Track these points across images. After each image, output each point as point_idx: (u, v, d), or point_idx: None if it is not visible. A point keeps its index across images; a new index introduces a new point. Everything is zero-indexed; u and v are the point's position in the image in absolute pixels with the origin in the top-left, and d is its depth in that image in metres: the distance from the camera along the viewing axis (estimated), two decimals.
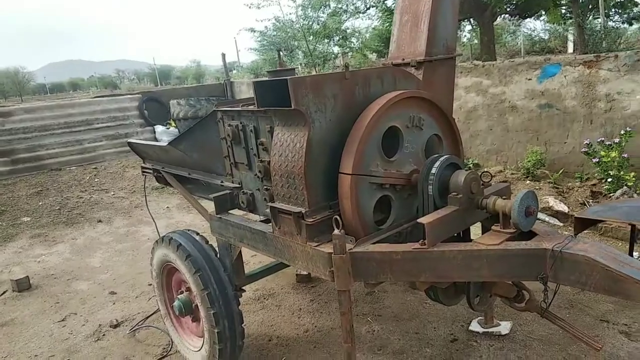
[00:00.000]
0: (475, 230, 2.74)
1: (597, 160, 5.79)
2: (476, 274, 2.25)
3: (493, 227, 2.36)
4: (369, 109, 2.51)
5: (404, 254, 2.28)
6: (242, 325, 3.12)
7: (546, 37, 21.32)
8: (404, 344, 3.46)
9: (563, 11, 16.74)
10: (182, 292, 3.34)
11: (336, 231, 2.27)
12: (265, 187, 2.84)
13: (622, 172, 5.53)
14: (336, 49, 19.82)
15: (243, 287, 3.44)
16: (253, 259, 5.02)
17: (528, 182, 6.45)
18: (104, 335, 4.02)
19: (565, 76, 6.47)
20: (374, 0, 17.07)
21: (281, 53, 3.39)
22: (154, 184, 7.24)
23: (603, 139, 5.93)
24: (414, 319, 3.77)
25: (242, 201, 3.13)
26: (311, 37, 17.63)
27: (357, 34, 20.13)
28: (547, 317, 2.45)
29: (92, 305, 4.61)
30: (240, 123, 2.96)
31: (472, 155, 7.66)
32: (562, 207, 5.49)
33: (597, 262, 1.99)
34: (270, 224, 2.71)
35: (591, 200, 5.68)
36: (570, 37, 18.32)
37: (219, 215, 3.12)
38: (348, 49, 19.69)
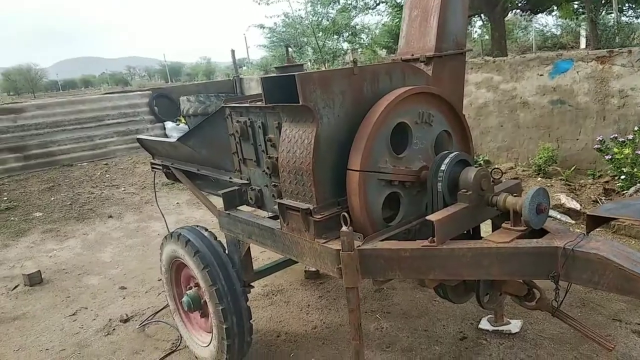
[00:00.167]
0: (485, 227, 2.72)
1: (610, 157, 5.72)
2: (486, 272, 2.23)
3: (503, 225, 2.33)
4: (378, 105, 2.48)
5: (412, 251, 2.26)
6: (251, 321, 3.12)
7: (558, 33, 21.08)
8: (413, 342, 3.44)
9: (575, 6, 16.53)
10: (190, 288, 3.35)
11: (344, 228, 2.25)
12: (274, 183, 2.84)
13: (635, 169, 5.45)
14: (345, 45, 19.75)
15: (251, 283, 3.45)
16: (262, 255, 5.03)
17: (539, 179, 6.38)
18: (114, 329, 4.05)
19: (577, 72, 6.38)
20: None
21: (289, 49, 3.38)
22: (164, 180, 7.28)
23: (616, 135, 5.85)
24: (423, 316, 3.75)
25: (250, 197, 3.13)
26: (320, 33, 17.58)
27: (366, 30, 20.04)
28: (558, 316, 2.42)
29: (103, 299, 4.65)
30: (249, 119, 2.95)
31: (483, 152, 7.60)
32: (574, 205, 5.42)
33: (610, 260, 1.95)
34: (279, 220, 2.70)
35: (604, 198, 5.61)
36: (583, 33, 18.09)
37: (227, 212, 3.12)
38: (357, 45, 19.61)
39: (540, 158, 6.54)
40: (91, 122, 11.48)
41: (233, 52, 14.22)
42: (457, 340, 3.41)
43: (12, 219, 7.45)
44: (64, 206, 7.95)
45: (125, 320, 4.15)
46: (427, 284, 2.56)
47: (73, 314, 4.40)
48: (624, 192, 5.49)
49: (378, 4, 17.30)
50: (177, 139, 3.59)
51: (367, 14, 18.21)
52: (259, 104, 2.86)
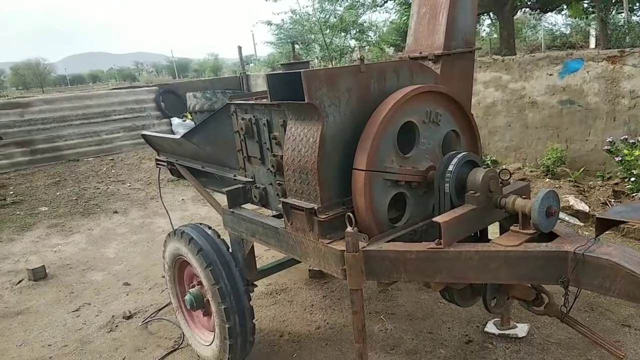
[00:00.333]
0: (492, 228, 2.67)
1: (620, 158, 5.64)
2: (494, 276, 2.18)
3: (512, 228, 2.28)
4: (385, 103, 2.44)
5: (418, 253, 2.22)
6: (253, 320, 3.09)
7: (567, 32, 20.88)
8: (417, 344, 3.40)
9: (585, 5, 16.36)
10: (193, 286, 3.32)
11: (349, 228, 2.22)
12: (278, 182, 2.80)
13: None
14: (353, 43, 19.65)
15: (255, 282, 3.42)
16: (266, 253, 5.00)
17: (547, 180, 6.30)
18: (116, 326, 4.04)
19: (588, 72, 6.29)
20: None
21: (296, 46, 3.34)
22: (170, 176, 7.25)
23: (627, 136, 5.77)
24: (427, 318, 3.70)
25: (254, 195, 3.09)
26: (328, 30, 17.49)
27: (374, 28, 19.91)
28: (567, 322, 2.37)
29: (106, 295, 4.63)
30: (254, 116, 2.91)
31: (490, 152, 7.53)
32: (583, 207, 5.35)
33: (621, 266, 1.91)
34: (283, 219, 2.67)
35: (613, 200, 5.53)
36: (593, 32, 17.91)
37: (231, 210, 3.09)
38: (365, 43, 19.50)
39: (549, 159, 6.46)
40: (98, 118, 11.51)
41: (240, 48, 14.18)
42: (463, 343, 3.37)
43: (17, 213, 7.47)
44: (69, 201, 7.96)
45: (128, 317, 4.14)
46: (433, 287, 2.52)
47: (76, 310, 4.39)
48: (634, 194, 5.40)
49: (386, 1, 17.20)
50: (182, 136, 3.56)
51: (374, 11, 18.14)
52: (264, 101, 2.83)
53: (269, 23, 20.08)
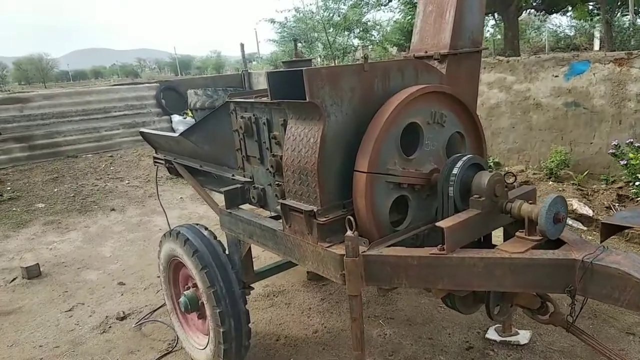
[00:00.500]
0: (495, 233, 2.58)
1: (625, 162, 5.56)
2: (498, 284, 2.11)
3: (517, 234, 2.21)
4: (388, 103, 2.36)
5: (420, 259, 2.15)
6: (249, 324, 3.01)
7: (572, 34, 20.78)
8: (417, 350, 3.32)
9: (590, 7, 16.28)
10: (188, 288, 3.25)
11: (349, 232, 2.14)
12: (277, 182, 2.72)
13: None
14: (356, 42, 19.59)
15: (251, 285, 3.34)
16: (264, 254, 4.92)
17: (551, 183, 6.22)
18: (110, 327, 3.96)
19: (594, 74, 6.20)
20: None
21: (299, 44, 3.26)
22: (169, 174, 7.19)
23: (632, 140, 5.69)
24: (427, 323, 3.62)
25: (253, 196, 3.02)
26: (331, 29, 17.44)
27: (378, 27, 19.84)
28: (572, 332, 2.29)
29: (100, 295, 4.56)
30: (253, 115, 2.84)
31: (493, 154, 7.44)
32: (587, 211, 5.27)
33: (631, 276, 1.84)
34: (281, 221, 2.59)
35: (617, 204, 5.45)
36: (597, 34, 17.83)
37: (229, 210, 3.02)
38: (368, 42, 19.43)
39: (552, 161, 6.38)
40: (98, 114, 11.42)
41: (242, 46, 14.09)
42: (463, 350, 3.29)
43: (14, 209, 7.39)
44: (67, 198, 7.89)
45: (122, 318, 4.06)
46: (434, 294, 2.44)
47: (69, 310, 4.31)
48: (639, 199, 5.32)
49: (390, 0, 17.12)
50: (180, 134, 3.49)
51: (379, 10, 18.06)
52: (264, 99, 2.75)
53: (272, 21, 20.03)
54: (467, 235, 2.21)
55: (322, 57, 18.34)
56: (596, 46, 17.52)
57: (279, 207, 2.56)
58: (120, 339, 3.78)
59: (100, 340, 3.78)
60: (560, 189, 5.94)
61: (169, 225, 3.81)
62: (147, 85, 13.04)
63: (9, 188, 8.36)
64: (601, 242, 2.35)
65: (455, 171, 2.30)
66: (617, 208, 5.38)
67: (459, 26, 2.88)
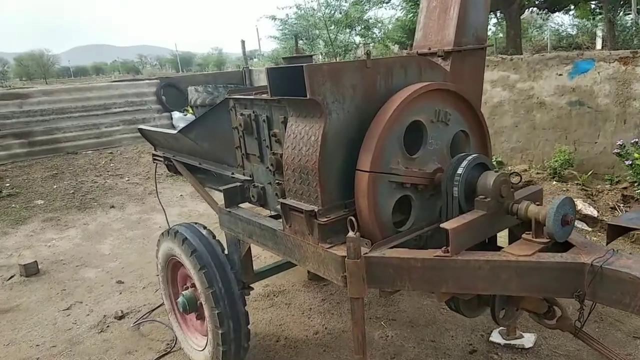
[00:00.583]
0: (501, 234, 2.52)
1: (630, 162, 5.48)
2: (504, 287, 2.06)
3: (524, 236, 2.14)
4: (391, 101, 2.30)
5: (424, 261, 2.09)
6: (248, 326, 2.96)
7: (574, 33, 20.69)
8: (419, 353, 3.26)
9: (593, 6, 16.19)
10: (187, 288, 3.19)
11: (351, 233, 2.08)
12: (277, 181, 2.67)
13: None
14: (358, 39, 19.49)
15: (251, 285, 3.28)
16: (265, 253, 4.86)
17: (554, 182, 6.15)
18: (108, 326, 3.91)
19: (598, 72, 6.13)
20: None
21: (300, 41, 3.19)
22: (169, 172, 7.14)
23: (637, 140, 5.61)
24: (430, 325, 3.57)
25: (252, 195, 2.96)
26: (333, 26, 17.34)
27: (379, 25, 19.74)
28: (581, 337, 2.23)
29: (99, 294, 4.51)
30: (253, 112, 2.78)
31: (496, 153, 7.37)
32: (591, 211, 5.20)
33: None
34: (281, 220, 2.53)
35: (622, 205, 5.38)
36: (599, 33, 17.74)
37: (228, 209, 2.96)
38: (370, 40, 19.34)
39: (556, 161, 6.30)
40: (98, 110, 11.34)
41: (243, 42, 14.02)
42: (466, 353, 3.23)
43: (13, 206, 7.34)
44: (66, 195, 7.83)
45: (120, 317, 4.01)
46: (438, 297, 2.37)
47: (67, 308, 4.26)
48: None
49: None
50: (179, 131, 3.43)
51: (380, 7, 17.95)
52: (264, 96, 2.69)
53: (274, 18, 19.92)
54: (472, 237, 2.15)
55: (324, 54, 18.25)
56: (598, 45, 17.43)
57: (279, 207, 2.51)
58: (118, 338, 3.73)
59: (98, 340, 3.73)
60: (564, 189, 5.87)
61: (168, 224, 3.75)
62: (147, 81, 12.96)
63: (7, 184, 8.31)
64: (607, 243, 2.29)
65: (460, 171, 2.24)
66: (622, 209, 5.31)
67: (463, 22, 2.81)
